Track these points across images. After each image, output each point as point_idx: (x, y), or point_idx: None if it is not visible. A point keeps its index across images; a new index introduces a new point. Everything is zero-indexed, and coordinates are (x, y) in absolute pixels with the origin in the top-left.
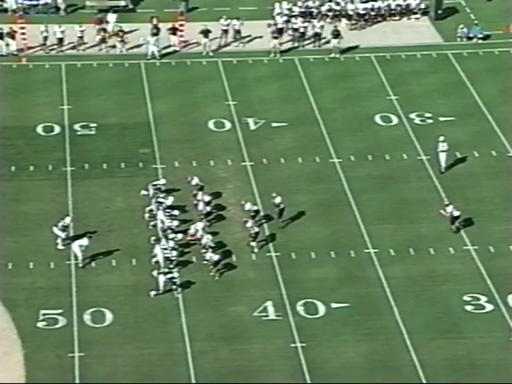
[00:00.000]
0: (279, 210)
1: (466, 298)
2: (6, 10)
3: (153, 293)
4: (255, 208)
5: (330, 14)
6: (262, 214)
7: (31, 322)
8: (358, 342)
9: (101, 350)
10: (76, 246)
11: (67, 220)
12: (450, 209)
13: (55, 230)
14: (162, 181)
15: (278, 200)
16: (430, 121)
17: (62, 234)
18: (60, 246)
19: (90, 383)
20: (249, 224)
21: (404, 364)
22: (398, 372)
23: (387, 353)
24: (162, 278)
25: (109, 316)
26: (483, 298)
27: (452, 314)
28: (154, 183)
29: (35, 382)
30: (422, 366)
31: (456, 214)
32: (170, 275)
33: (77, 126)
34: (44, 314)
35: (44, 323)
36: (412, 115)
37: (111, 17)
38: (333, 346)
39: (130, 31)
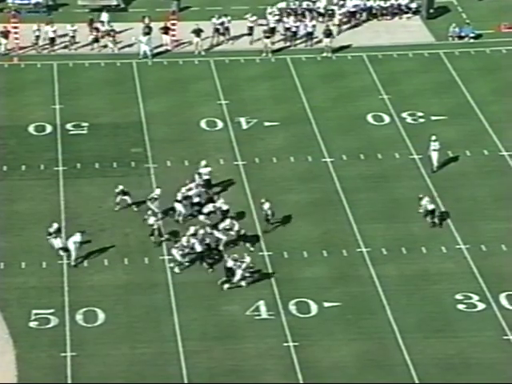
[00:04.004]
0: (266, 216)
1: (458, 296)
2: (1, 10)
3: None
4: (225, 207)
5: (323, 11)
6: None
7: (23, 321)
8: (351, 341)
9: (93, 350)
10: (71, 243)
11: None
12: (424, 201)
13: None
14: (157, 191)
15: (266, 206)
16: (421, 120)
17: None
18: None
19: (82, 383)
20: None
21: (396, 363)
22: (391, 371)
23: (379, 352)
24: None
25: (101, 316)
26: (475, 297)
27: (444, 313)
28: (150, 197)
29: (27, 381)
30: (415, 364)
31: (430, 207)
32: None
33: (69, 126)
34: (36, 314)
35: (36, 323)
36: (404, 114)
37: (104, 16)
38: (325, 345)
39: (122, 31)
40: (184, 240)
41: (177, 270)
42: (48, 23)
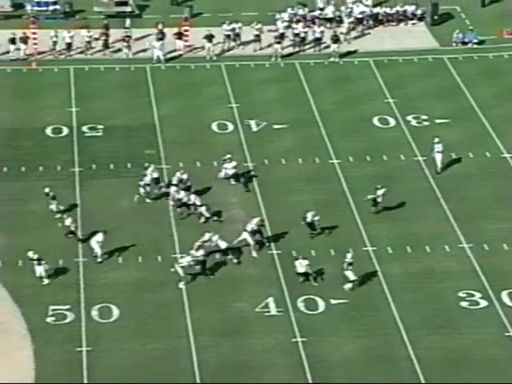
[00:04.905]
0: (308, 224)
1: (461, 294)
2: (20, 16)
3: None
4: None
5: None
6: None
7: (40, 317)
8: (357, 337)
9: (108, 345)
10: (94, 243)
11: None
12: (380, 192)
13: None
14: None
15: (309, 216)
16: (426, 123)
17: (99, 251)
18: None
19: (96, 377)
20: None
21: (401, 358)
22: (395, 366)
23: (385, 347)
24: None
25: (115, 311)
26: (478, 295)
27: (447, 310)
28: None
29: (44, 375)
30: (419, 360)
31: (379, 199)
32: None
33: (84, 128)
34: (53, 310)
35: (53, 318)
36: (409, 117)
37: (127, 22)
38: (332, 341)
39: (137, 36)
40: (204, 238)
41: (181, 285)
42: (83, 27)
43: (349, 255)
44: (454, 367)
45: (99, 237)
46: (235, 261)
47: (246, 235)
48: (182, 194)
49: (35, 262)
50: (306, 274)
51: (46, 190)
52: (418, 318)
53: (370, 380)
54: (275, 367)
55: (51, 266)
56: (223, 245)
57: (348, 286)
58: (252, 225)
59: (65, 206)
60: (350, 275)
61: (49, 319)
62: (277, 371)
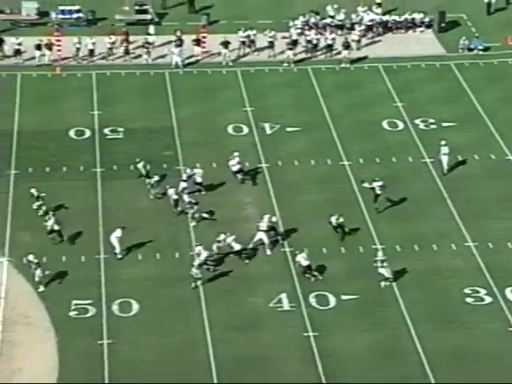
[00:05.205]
0: (334, 228)
1: (466, 290)
2: (45, 24)
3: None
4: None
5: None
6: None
7: (63, 311)
8: (366, 332)
9: (128, 338)
10: (113, 239)
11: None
12: (375, 184)
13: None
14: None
15: (333, 220)
16: (433, 126)
17: (118, 246)
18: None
19: (117, 371)
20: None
21: (409, 352)
22: (403, 359)
23: (393, 342)
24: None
25: (135, 306)
26: (483, 291)
27: (453, 306)
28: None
29: (67, 366)
30: (426, 354)
31: (378, 192)
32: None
33: (106, 130)
34: (75, 304)
35: (75, 312)
36: (417, 121)
37: (151, 29)
38: (342, 335)
39: (156, 43)
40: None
41: (193, 284)
42: (123, 34)
43: (379, 253)
44: (460, 361)
45: (118, 232)
46: (246, 261)
47: (261, 235)
48: (171, 191)
49: (33, 267)
50: (309, 267)
51: (32, 190)
52: (425, 314)
53: (378, 373)
54: (288, 360)
55: (74, 262)
56: (237, 246)
57: (385, 283)
58: (264, 222)
59: (51, 206)
60: (385, 272)
61: (71, 313)
62: (289, 364)
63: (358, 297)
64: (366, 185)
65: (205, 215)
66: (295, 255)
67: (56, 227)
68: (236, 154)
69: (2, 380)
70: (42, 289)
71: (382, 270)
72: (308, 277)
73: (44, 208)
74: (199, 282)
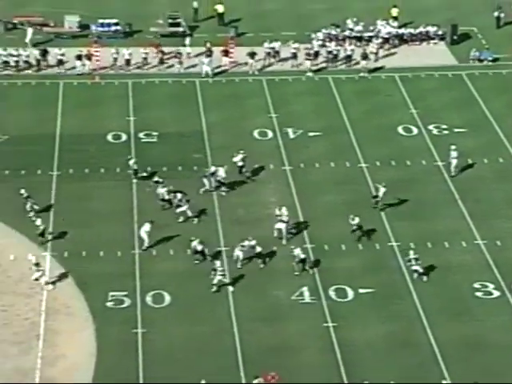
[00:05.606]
0: (353, 230)
1: (476, 285)
2: (86, 36)
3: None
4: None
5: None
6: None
7: (101, 302)
8: (382, 323)
9: (160, 327)
10: (143, 232)
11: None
12: (382, 190)
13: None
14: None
15: (355, 221)
16: (445, 131)
17: (146, 240)
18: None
19: (150, 358)
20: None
21: (422, 342)
22: (417, 349)
23: (407, 332)
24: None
25: (167, 298)
26: (491, 286)
27: (464, 299)
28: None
29: (104, 353)
30: (438, 344)
31: (380, 193)
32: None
33: (141, 135)
34: (112, 296)
35: (112, 303)
36: (430, 127)
37: (187, 40)
38: (360, 326)
39: (190, 54)
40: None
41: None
42: (157, 45)
43: (411, 252)
44: (470, 350)
45: (146, 227)
46: (262, 266)
47: (281, 225)
48: (163, 190)
49: (34, 267)
50: (304, 260)
51: (22, 191)
52: (437, 306)
53: (393, 361)
54: (308, 349)
55: (111, 257)
56: (258, 249)
57: (421, 277)
58: (284, 215)
59: (39, 207)
60: (419, 269)
61: (108, 304)
62: (310, 352)
63: (374, 290)
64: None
65: (189, 214)
66: (292, 249)
67: (41, 227)
68: (242, 151)
69: (47, 364)
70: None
71: (416, 267)
72: (306, 269)
73: (35, 207)
74: (221, 277)
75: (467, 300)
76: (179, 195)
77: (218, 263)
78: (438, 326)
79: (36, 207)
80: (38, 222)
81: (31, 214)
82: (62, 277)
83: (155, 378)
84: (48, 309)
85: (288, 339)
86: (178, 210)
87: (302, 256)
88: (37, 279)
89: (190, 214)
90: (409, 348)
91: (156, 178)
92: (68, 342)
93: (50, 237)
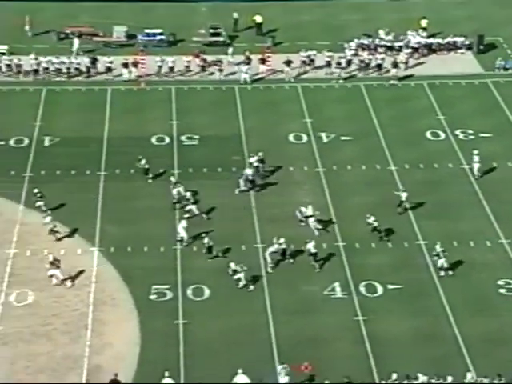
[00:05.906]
0: (373, 229)
1: (499, 282)
2: (133, 45)
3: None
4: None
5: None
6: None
7: (145, 294)
8: (409, 317)
9: (200, 319)
10: (180, 228)
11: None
12: (403, 194)
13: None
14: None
15: (371, 219)
16: (471, 136)
17: (185, 235)
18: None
19: (190, 347)
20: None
21: (447, 336)
22: (443, 342)
23: (433, 326)
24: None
25: (207, 291)
26: None
27: (487, 296)
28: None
29: (147, 343)
30: (463, 337)
31: (403, 198)
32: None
33: (183, 138)
34: (155, 289)
35: (155, 296)
36: (457, 132)
37: (230, 50)
38: (388, 320)
39: (231, 62)
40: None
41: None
42: (199, 54)
43: (437, 246)
44: (493, 344)
45: (183, 223)
46: (291, 261)
47: (312, 220)
48: (175, 191)
49: (47, 266)
50: (315, 254)
51: (35, 190)
52: (462, 302)
53: (420, 353)
54: (339, 341)
55: (154, 252)
56: (291, 246)
57: (449, 272)
58: (310, 211)
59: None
60: (444, 263)
61: (152, 296)
62: (341, 344)
63: (402, 286)
64: (396, 192)
65: (196, 212)
66: (306, 243)
67: (51, 225)
68: (260, 153)
69: (94, 352)
70: (69, 284)
71: (441, 261)
72: (313, 264)
73: (44, 208)
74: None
75: (491, 296)
76: (188, 194)
77: (232, 265)
78: (463, 321)
79: (44, 208)
80: (47, 219)
81: (44, 213)
82: (109, 270)
83: (195, 366)
84: (96, 300)
85: (320, 332)
86: (186, 207)
87: (313, 251)
88: (51, 276)
89: (196, 212)
90: (434, 341)
91: (171, 178)
92: (114, 332)
93: (59, 235)
